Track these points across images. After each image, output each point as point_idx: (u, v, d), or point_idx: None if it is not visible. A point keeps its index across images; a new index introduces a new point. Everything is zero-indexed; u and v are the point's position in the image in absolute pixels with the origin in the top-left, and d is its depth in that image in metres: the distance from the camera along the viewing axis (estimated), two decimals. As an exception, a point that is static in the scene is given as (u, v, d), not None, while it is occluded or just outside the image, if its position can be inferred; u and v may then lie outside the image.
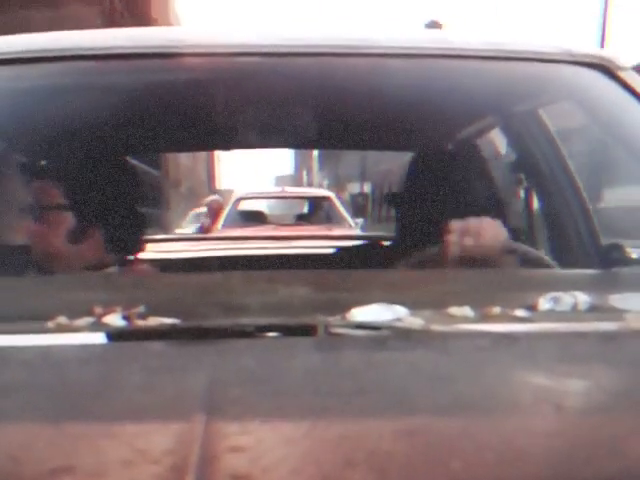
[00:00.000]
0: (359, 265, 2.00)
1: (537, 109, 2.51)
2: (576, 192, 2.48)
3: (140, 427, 0.86)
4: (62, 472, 0.75)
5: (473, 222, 1.93)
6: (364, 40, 1.83)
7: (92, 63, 1.83)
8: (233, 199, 10.74)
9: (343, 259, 2.89)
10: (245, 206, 10.62)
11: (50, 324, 1.22)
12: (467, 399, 0.96)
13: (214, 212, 10.21)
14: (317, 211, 10.80)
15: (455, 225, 1.91)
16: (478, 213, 1.98)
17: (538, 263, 1.95)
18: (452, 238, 1.89)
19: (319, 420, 0.89)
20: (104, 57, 1.78)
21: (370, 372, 1.08)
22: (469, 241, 1.88)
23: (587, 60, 1.88)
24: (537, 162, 2.56)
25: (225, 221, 9.68)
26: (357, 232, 7.82)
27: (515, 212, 2.80)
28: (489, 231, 1.91)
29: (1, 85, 1.89)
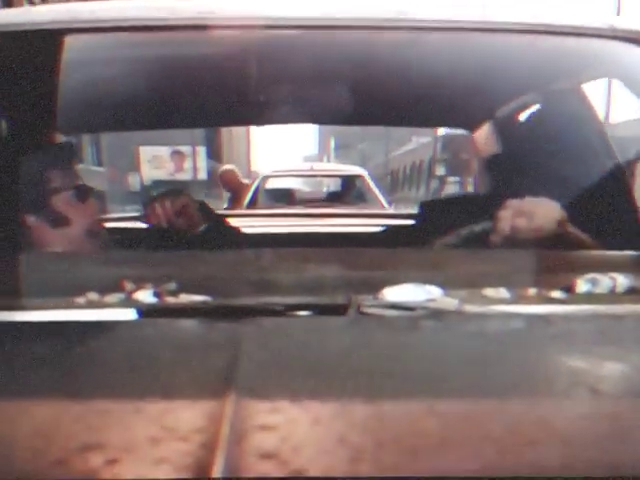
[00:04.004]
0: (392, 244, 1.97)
1: (579, 85, 2.47)
2: (617, 171, 2.44)
3: (169, 404, 0.86)
4: (91, 448, 0.75)
5: (528, 202, 1.88)
6: (402, 13, 1.80)
7: (126, 35, 1.81)
8: (260, 177, 10.38)
9: (376, 238, 2.87)
10: (273, 184, 10.31)
11: (80, 300, 1.22)
12: (500, 381, 0.95)
13: (228, 184, 9.56)
14: (349, 190, 10.41)
15: (510, 204, 1.87)
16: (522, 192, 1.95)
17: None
18: (505, 217, 1.84)
19: (349, 400, 0.88)
20: (138, 28, 1.76)
21: (402, 353, 1.07)
22: (522, 222, 1.83)
23: (630, 35, 1.84)
24: (578, 139, 2.52)
25: (251, 200, 9.28)
26: (391, 211, 7.62)
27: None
28: (544, 212, 1.86)
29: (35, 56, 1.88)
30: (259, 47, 1.99)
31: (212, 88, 2.48)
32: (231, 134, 34.02)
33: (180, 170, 27.74)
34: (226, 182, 9.23)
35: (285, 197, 9.14)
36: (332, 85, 2.43)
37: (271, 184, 10.03)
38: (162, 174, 27.58)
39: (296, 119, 3.21)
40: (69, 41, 1.82)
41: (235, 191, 9.06)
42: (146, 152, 27.54)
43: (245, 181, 9.81)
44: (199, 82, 2.44)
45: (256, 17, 1.72)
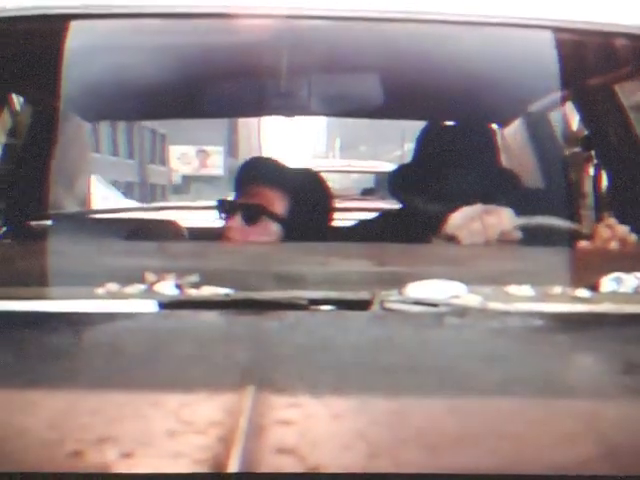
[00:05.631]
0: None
1: (612, 84, 2.44)
2: None
3: (187, 397, 0.85)
4: (106, 441, 0.74)
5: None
6: (435, 6, 1.77)
7: (150, 21, 1.81)
8: None
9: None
10: None
11: (100, 290, 1.21)
12: (522, 379, 0.94)
13: None
14: (383, 186, 10.48)
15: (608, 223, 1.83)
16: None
17: None
18: (605, 232, 1.80)
19: (370, 396, 0.87)
20: (162, 16, 1.75)
21: (425, 349, 1.07)
22: (613, 244, 1.80)
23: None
24: (608, 139, 2.51)
25: None
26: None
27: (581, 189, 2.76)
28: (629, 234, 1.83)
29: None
30: (278, 39, 1.98)
31: (232, 78, 2.48)
32: (246, 133, 36.28)
33: (204, 166, 32.06)
34: None
35: None
36: (354, 78, 2.42)
37: None
38: (189, 170, 31.93)
39: (316, 111, 3.21)
40: (96, 27, 1.82)
41: None
42: (175, 150, 31.76)
43: None
44: (219, 72, 2.44)
45: (279, 7, 1.71)
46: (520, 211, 1.89)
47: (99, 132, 24.27)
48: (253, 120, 30.64)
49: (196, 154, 32.29)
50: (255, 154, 11.80)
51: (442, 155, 2.23)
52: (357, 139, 45.29)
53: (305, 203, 2.19)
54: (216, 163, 32.11)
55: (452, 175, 2.10)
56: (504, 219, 1.83)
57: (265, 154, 10.84)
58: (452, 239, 1.78)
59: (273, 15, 1.74)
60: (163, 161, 31.37)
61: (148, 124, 27.22)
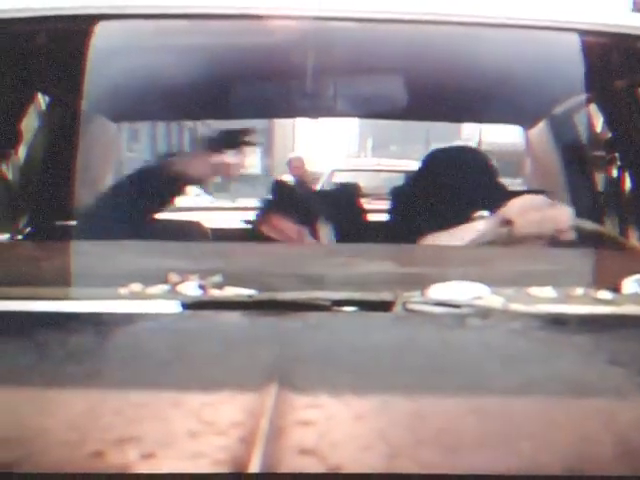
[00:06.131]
0: None
1: (636, 87, 2.43)
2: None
3: (209, 398, 0.85)
4: (127, 441, 0.75)
5: None
6: (460, 9, 1.77)
7: (177, 23, 1.81)
8: (329, 171, 10.78)
9: None
10: (339, 178, 10.46)
11: (123, 291, 1.22)
12: (542, 381, 0.94)
13: (295, 169, 9.98)
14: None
15: None
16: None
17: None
18: None
19: (391, 396, 0.87)
20: (189, 17, 1.75)
21: (447, 350, 1.06)
22: None
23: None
24: (632, 141, 2.49)
25: None
26: None
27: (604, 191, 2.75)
28: None
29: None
30: (305, 40, 1.98)
31: (258, 80, 2.48)
32: (281, 134, 37.08)
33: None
34: (293, 167, 9.74)
35: None
36: (380, 79, 2.42)
37: (338, 178, 10.26)
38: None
39: (344, 113, 3.20)
40: (124, 28, 1.83)
41: (300, 176, 9.50)
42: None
43: (310, 169, 10.27)
44: (244, 74, 2.44)
45: (305, 9, 1.71)
46: None
47: (156, 135, 24.70)
48: (288, 121, 31.18)
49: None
50: (289, 154, 11.95)
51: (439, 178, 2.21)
52: (388, 139, 46.07)
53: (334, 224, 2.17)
54: (253, 162, 32.72)
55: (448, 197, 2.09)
56: (564, 217, 1.81)
57: (298, 154, 11.05)
58: (507, 223, 1.77)
59: (300, 17, 1.74)
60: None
61: (191, 125, 27.78)
